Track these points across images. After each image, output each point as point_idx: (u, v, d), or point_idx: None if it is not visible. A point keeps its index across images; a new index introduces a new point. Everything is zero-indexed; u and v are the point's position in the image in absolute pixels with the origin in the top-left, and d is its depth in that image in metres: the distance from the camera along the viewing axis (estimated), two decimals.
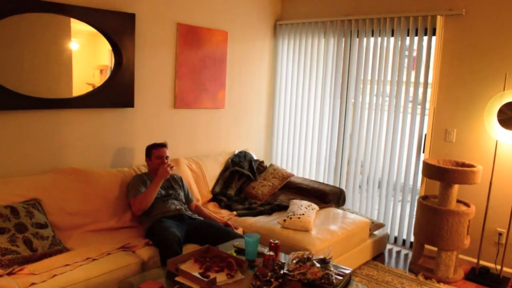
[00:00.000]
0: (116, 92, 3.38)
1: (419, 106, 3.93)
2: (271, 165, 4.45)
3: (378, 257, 3.95)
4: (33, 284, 2.23)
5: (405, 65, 3.99)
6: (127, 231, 3.07)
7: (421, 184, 3.94)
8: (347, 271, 2.40)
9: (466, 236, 3.46)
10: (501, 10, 3.47)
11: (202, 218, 3.25)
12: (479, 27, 3.58)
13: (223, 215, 3.59)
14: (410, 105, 4.01)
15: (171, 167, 3.14)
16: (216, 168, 4.12)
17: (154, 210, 3.08)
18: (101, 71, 3.37)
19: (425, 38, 3.81)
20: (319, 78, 4.63)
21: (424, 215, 3.53)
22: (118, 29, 3.29)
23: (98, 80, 3.34)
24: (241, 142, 4.68)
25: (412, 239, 4.12)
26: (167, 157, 3.26)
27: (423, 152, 3.94)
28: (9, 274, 2.29)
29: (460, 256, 3.81)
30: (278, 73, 4.92)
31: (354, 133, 4.38)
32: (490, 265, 3.68)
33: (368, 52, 4.21)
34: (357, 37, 4.28)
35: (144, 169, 3.44)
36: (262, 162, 4.50)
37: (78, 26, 3.10)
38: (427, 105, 3.90)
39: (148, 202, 3.05)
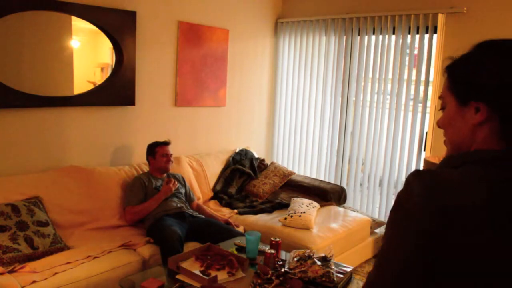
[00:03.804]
0: (117, 90, 3.37)
1: (420, 104, 3.92)
2: (272, 163, 4.45)
3: None
4: (34, 282, 2.23)
5: (406, 63, 3.98)
6: (128, 229, 3.07)
7: None
8: (348, 269, 2.40)
9: None
10: (502, 8, 3.46)
11: (203, 216, 3.26)
12: (480, 25, 3.57)
13: (224, 213, 3.59)
14: (411, 103, 4.00)
15: (175, 185, 3.18)
16: (217, 166, 4.12)
17: (155, 208, 3.08)
18: (102, 69, 3.37)
19: (426, 36, 3.80)
20: (320, 76, 4.62)
21: None
22: (119, 27, 3.28)
23: (99, 78, 3.34)
24: (242, 140, 4.68)
25: None
26: (171, 154, 3.28)
27: (424, 150, 3.94)
28: (10, 272, 2.29)
29: None
30: (279, 71, 4.91)
31: (355, 131, 4.37)
32: None
33: (369, 50, 4.20)
34: (358, 35, 4.27)
35: (145, 167, 3.45)
36: (263, 160, 4.50)
37: (79, 24, 3.10)
38: (428, 103, 3.89)
39: (144, 216, 3.08)
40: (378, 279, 0.80)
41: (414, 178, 0.78)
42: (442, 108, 0.91)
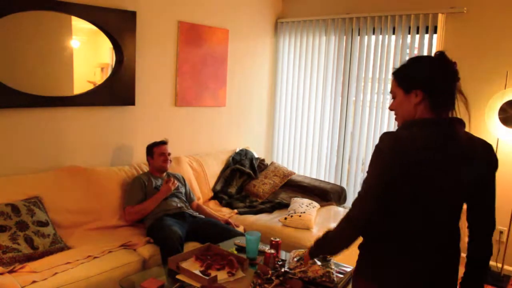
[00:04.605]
0: (117, 90, 3.37)
1: None
2: (272, 163, 4.45)
3: None
4: (34, 282, 2.23)
5: None
6: (128, 229, 3.07)
7: None
8: (348, 269, 2.40)
9: (466, 234, 3.45)
10: (502, 8, 3.46)
11: (203, 216, 3.26)
12: (480, 25, 3.57)
13: (224, 213, 3.59)
14: None
15: (174, 184, 3.18)
16: (217, 166, 4.12)
17: (155, 208, 3.08)
18: (102, 69, 3.37)
19: (426, 36, 3.80)
20: (320, 76, 4.62)
21: None
22: (119, 27, 3.28)
23: (99, 78, 3.33)
24: (242, 140, 4.68)
25: None
26: (169, 154, 3.29)
27: None
28: (10, 272, 2.29)
29: (461, 254, 3.80)
30: (279, 71, 4.91)
31: (355, 131, 4.37)
32: (491, 263, 3.68)
33: (369, 50, 4.21)
34: (358, 35, 4.27)
35: (145, 167, 3.45)
36: (263, 160, 4.50)
37: (79, 24, 3.10)
38: None
39: (144, 215, 3.08)
40: (365, 187, 1.44)
41: (385, 135, 1.42)
42: (393, 98, 1.53)
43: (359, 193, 1.46)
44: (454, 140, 1.41)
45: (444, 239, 1.52)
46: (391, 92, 1.54)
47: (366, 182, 1.45)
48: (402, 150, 1.37)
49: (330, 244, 1.59)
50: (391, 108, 1.55)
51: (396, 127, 1.50)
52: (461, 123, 1.45)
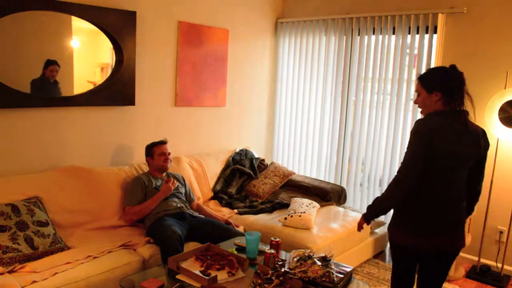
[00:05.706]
0: (117, 90, 3.37)
1: None
2: (272, 163, 4.45)
3: (379, 255, 3.95)
4: (34, 282, 2.23)
5: (406, 63, 3.98)
6: (128, 229, 3.07)
7: None
8: (348, 269, 2.40)
9: (467, 234, 3.45)
10: (502, 8, 3.46)
11: (203, 216, 3.26)
12: (480, 25, 3.57)
13: (224, 213, 3.59)
14: (411, 103, 4.00)
15: (174, 184, 3.18)
16: (217, 166, 4.12)
17: (155, 208, 3.08)
18: (102, 69, 3.37)
19: (426, 36, 3.80)
20: (320, 76, 4.62)
21: None
22: (119, 27, 3.28)
23: (99, 78, 3.33)
24: (242, 140, 4.68)
25: None
26: (169, 153, 3.29)
27: None
28: (10, 272, 2.29)
29: (461, 254, 3.81)
30: (279, 71, 4.91)
31: (355, 131, 4.37)
32: (491, 263, 3.68)
33: (369, 50, 4.20)
34: (358, 35, 4.27)
35: (145, 167, 3.45)
36: (263, 160, 4.50)
37: (79, 24, 3.10)
38: None
39: (144, 215, 3.09)
40: (405, 163, 2.02)
41: (420, 121, 2.03)
42: (418, 95, 2.13)
43: (403, 163, 2.02)
44: (464, 125, 2.03)
45: (454, 194, 2.06)
46: (416, 90, 2.16)
47: (409, 152, 2.00)
48: (431, 130, 1.97)
49: (381, 204, 2.13)
50: (415, 102, 2.17)
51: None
52: (467, 113, 2.07)
